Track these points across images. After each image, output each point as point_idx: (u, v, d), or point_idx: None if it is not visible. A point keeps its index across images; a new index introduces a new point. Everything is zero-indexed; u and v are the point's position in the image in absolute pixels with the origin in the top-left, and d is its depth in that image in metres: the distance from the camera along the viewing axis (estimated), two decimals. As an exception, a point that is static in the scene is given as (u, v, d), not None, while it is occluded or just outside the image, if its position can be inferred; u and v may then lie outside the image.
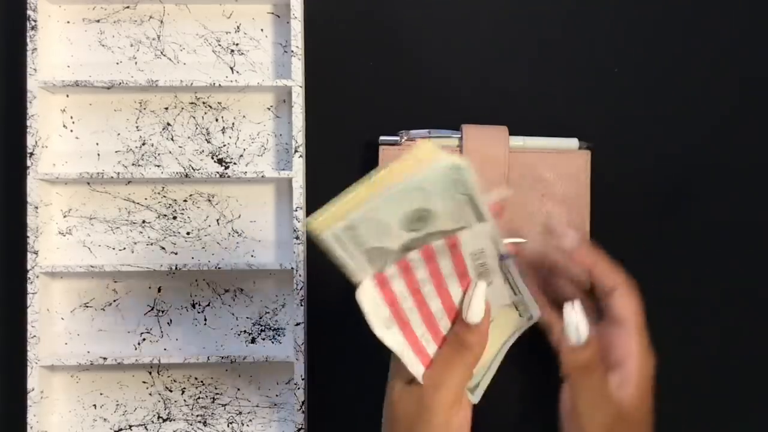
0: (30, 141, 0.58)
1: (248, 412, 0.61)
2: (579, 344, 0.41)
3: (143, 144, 0.61)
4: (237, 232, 0.61)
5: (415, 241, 0.39)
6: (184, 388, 0.61)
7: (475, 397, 0.44)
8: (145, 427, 0.61)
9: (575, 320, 0.41)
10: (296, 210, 0.59)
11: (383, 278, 0.41)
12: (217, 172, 0.59)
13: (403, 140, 0.59)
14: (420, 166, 0.37)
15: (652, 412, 0.45)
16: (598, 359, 0.43)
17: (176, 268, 0.58)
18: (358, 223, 0.37)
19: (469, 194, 0.38)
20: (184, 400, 0.61)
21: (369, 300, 0.40)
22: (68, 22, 0.61)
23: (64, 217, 0.61)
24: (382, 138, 0.59)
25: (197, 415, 0.61)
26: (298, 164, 0.59)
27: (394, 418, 0.40)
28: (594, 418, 0.42)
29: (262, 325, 0.61)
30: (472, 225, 0.40)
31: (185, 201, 0.61)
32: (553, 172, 0.59)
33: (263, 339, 0.61)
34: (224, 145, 0.61)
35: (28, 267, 0.58)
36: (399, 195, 0.36)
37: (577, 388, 0.42)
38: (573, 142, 0.59)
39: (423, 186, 0.36)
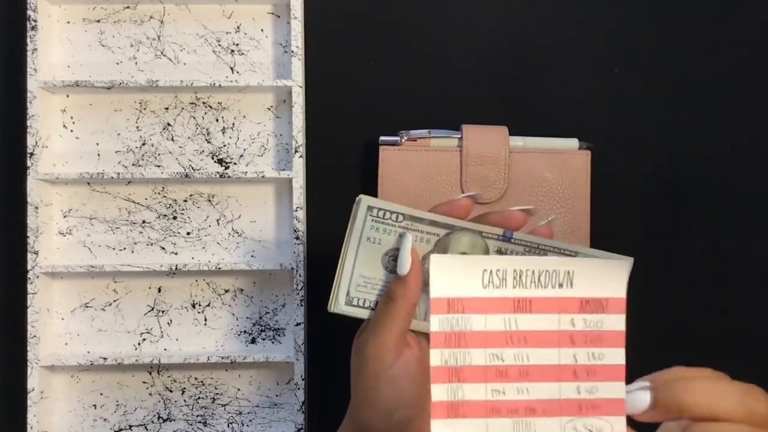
0: (30, 141, 0.58)
1: (248, 412, 0.61)
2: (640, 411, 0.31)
3: (143, 144, 0.61)
4: (237, 232, 0.61)
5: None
6: (184, 388, 0.61)
7: None
8: (145, 427, 0.61)
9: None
10: (296, 210, 0.59)
11: (443, 406, 0.30)
12: (217, 172, 0.59)
13: (403, 140, 0.59)
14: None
15: None
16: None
17: (176, 268, 0.58)
18: (353, 293, 0.42)
19: (399, 215, 0.41)
20: (184, 400, 0.61)
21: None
22: (68, 22, 0.61)
23: (64, 217, 0.61)
24: (382, 138, 0.59)
25: (197, 415, 0.61)
26: (298, 164, 0.59)
27: (351, 370, 0.42)
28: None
29: (262, 325, 0.61)
30: (430, 260, 0.32)
31: (185, 201, 0.61)
32: (553, 172, 0.59)
33: (263, 339, 0.61)
34: (224, 145, 0.61)
35: (28, 267, 0.58)
36: (357, 254, 0.42)
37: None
38: (573, 142, 0.59)
39: (363, 237, 0.41)
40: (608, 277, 0.31)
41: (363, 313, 0.42)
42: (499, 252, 0.40)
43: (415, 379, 0.41)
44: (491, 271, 0.30)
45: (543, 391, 0.30)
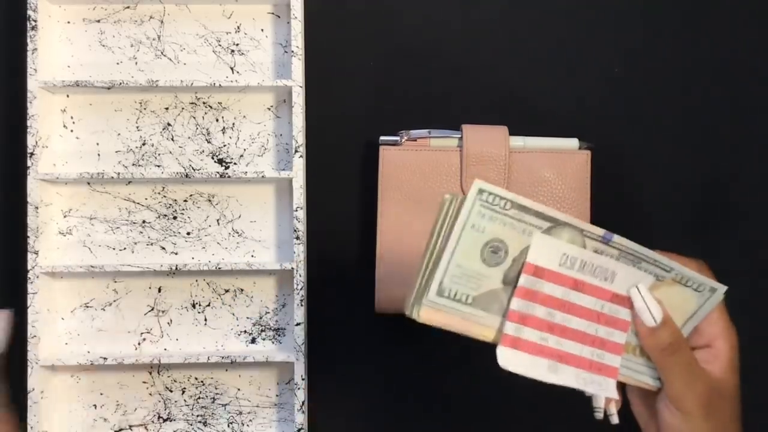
0: (30, 141, 0.58)
1: (248, 412, 0.61)
2: (656, 325, 0.41)
3: (143, 144, 0.61)
4: (237, 232, 0.61)
5: (510, 271, 0.39)
6: (184, 388, 0.61)
7: None
8: (145, 427, 0.61)
9: (645, 304, 0.41)
10: (296, 210, 0.59)
11: (510, 338, 0.39)
12: (218, 172, 0.59)
13: (403, 140, 0.59)
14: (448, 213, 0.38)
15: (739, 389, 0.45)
16: (680, 334, 0.43)
17: (176, 268, 0.58)
18: (446, 283, 0.38)
19: (507, 202, 0.38)
20: (184, 400, 0.61)
21: (517, 364, 0.39)
22: (68, 22, 0.61)
23: (65, 217, 0.61)
24: (382, 138, 0.59)
25: (197, 415, 0.61)
26: (298, 164, 0.59)
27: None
28: (692, 393, 0.42)
29: (262, 325, 0.61)
30: (534, 235, 0.39)
31: (185, 201, 0.61)
32: (553, 172, 0.59)
33: (263, 339, 0.61)
34: (224, 145, 0.62)
35: (28, 267, 0.58)
36: (458, 241, 0.38)
37: (668, 367, 0.42)
38: (573, 142, 0.59)
39: (468, 222, 0.38)
40: (635, 284, 0.41)
41: (456, 306, 0.39)
42: (596, 251, 0.41)
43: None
44: (567, 256, 0.39)
45: (571, 347, 0.40)
